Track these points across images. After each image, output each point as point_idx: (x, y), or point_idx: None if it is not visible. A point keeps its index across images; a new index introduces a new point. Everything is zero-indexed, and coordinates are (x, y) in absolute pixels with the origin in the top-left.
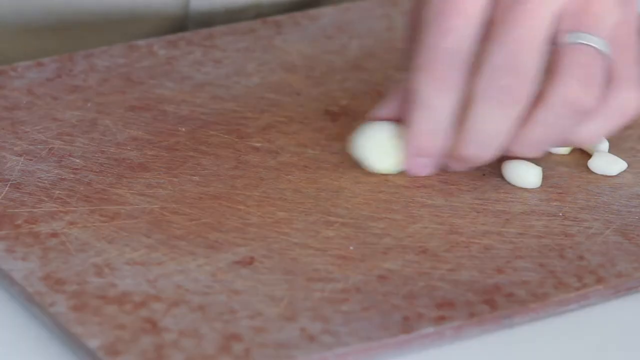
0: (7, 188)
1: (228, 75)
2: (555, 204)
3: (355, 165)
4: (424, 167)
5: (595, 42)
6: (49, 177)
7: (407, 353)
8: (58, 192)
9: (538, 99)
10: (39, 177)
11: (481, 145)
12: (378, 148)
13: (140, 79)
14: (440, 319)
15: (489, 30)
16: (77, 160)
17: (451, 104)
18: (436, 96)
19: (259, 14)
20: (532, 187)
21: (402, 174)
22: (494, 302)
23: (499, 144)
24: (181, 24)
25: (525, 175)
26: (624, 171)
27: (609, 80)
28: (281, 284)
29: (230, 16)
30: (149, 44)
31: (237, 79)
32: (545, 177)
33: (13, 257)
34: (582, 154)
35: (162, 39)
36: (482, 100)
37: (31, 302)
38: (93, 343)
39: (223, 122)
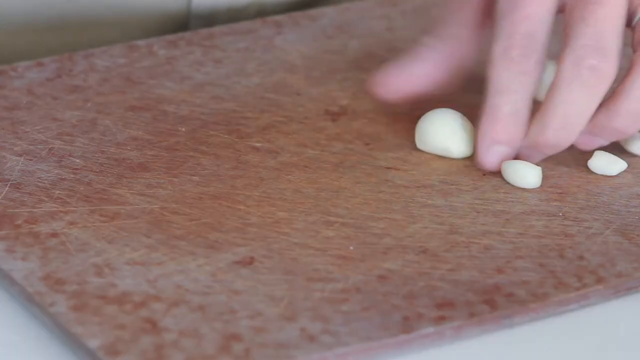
0: (7, 188)
1: (228, 75)
2: (555, 204)
3: (355, 165)
4: (500, 156)
5: None
6: (49, 177)
7: (407, 353)
8: (58, 192)
9: (629, 71)
10: (39, 177)
11: (566, 128)
12: (454, 133)
13: (140, 79)
14: (440, 319)
15: (568, 13)
16: (77, 160)
17: (531, 88)
18: (517, 80)
19: (261, 12)
20: (532, 187)
21: (402, 175)
22: (494, 302)
23: (582, 126)
24: (183, 22)
25: (525, 175)
26: (624, 171)
27: None
28: (281, 284)
29: (232, 15)
30: (149, 44)
31: (237, 79)
32: (545, 177)
33: (13, 257)
34: (582, 154)
35: (162, 38)
36: (568, 81)
37: (31, 302)
38: (93, 343)
39: (223, 122)
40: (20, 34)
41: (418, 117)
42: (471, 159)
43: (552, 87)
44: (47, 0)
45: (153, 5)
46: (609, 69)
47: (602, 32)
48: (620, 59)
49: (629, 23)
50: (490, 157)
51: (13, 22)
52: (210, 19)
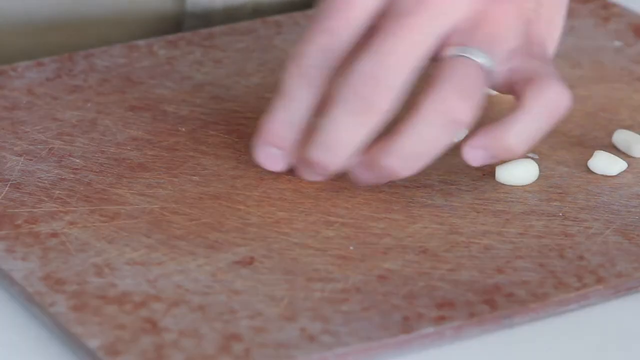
0: (7, 188)
1: (228, 75)
2: (555, 204)
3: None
4: (273, 158)
5: (476, 55)
6: (49, 177)
7: (407, 353)
8: (58, 192)
9: (412, 109)
10: (39, 177)
11: (330, 151)
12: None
13: (140, 79)
14: (440, 319)
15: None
16: (77, 160)
17: (309, 99)
18: (297, 88)
19: (257, 12)
20: (527, 183)
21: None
22: (494, 302)
23: (348, 154)
24: (178, 21)
25: (517, 171)
26: (624, 171)
27: (528, 82)
28: (281, 284)
29: (229, 14)
30: (148, 44)
31: (237, 79)
32: (545, 177)
33: (13, 257)
34: (582, 154)
35: (162, 39)
36: (337, 104)
37: (31, 302)
38: (93, 343)
39: (223, 122)
40: (19, 34)
41: None
42: None
43: (326, 106)
44: (46, 1)
45: (147, 4)
46: (381, 102)
47: (384, 63)
48: (402, 96)
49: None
50: (260, 156)
51: (13, 22)
52: (206, 18)
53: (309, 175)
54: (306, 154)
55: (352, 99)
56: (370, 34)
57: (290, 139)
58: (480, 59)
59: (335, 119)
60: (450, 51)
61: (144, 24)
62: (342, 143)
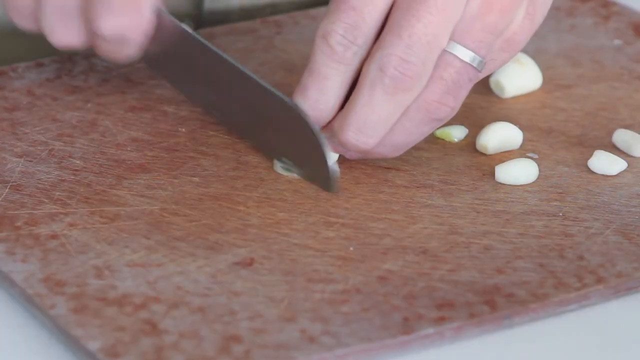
0: (7, 190)
1: None
2: (555, 204)
3: (354, 165)
4: None
5: (465, 54)
6: (49, 178)
7: (407, 354)
8: (58, 193)
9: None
10: (39, 179)
11: (363, 132)
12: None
13: (140, 79)
14: (441, 320)
15: (391, 14)
16: (77, 162)
17: (340, 78)
18: (330, 67)
19: (275, 12)
20: (527, 183)
21: (401, 175)
22: (494, 302)
23: (382, 134)
24: (196, 23)
25: (517, 171)
26: (624, 171)
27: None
28: (281, 285)
29: (245, 15)
30: None
31: None
32: (545, 177)
33: (13, 259)
34: (582, 153)
35: None
36: (370, 85)
37: (31, 304)
38: (93, 345)
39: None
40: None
41: None
42: (472, 159)
43: (357, 87)
44: None
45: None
46: (410, 80)
47: (413, 46)
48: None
49: None
50: None
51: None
52: (223, 20)
53: (347, 153)
54: (341, 135)
55: (386, 80)
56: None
57: (323, 118)
58: (468, 58)
59: (371, 99)
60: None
61: None
62: (375, 124)
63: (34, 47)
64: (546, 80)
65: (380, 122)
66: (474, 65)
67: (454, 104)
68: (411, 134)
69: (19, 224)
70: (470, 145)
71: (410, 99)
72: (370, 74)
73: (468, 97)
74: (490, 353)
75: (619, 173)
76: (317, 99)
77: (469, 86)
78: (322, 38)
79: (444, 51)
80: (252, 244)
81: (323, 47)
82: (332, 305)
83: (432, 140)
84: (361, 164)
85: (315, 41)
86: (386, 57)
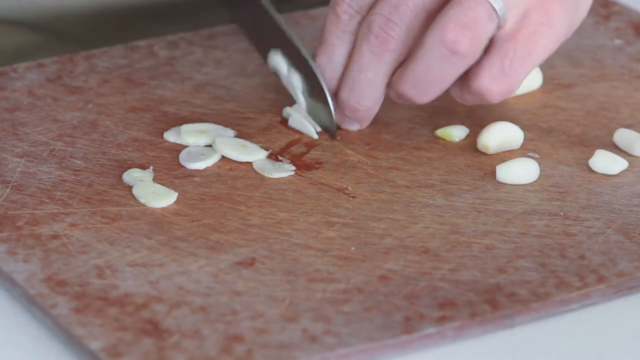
0: (8, 190)
1: (228, 76)
2: (556, 203)
3: (356, 165)
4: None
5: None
6: (50, 178)
7: (409, 353)
8: (59, 193)
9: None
10: (40, 179)
11: (354, 89)
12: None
13: (140, 79)
14: (442, 319)
15: None
16: (78, 162)
17: (346, 47)
18: (337, 35)
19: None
20: (528, 183)
21: (403, 175)
22: (496, 301)
23: (373, 91)
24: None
25: (518, 170)
26: (625, 170)
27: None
28: (282, 284)
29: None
30: (149, 45)
31: (237, 79)
32: (546, 177)
33: (14, 259)
34: (583, 153)
35: (162, 39)
36: (358, 45)
37: (33, 304)
38: (95, 345)
39: (223, 123)
40: (20, 34)
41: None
42: (473, 159)
43: (353, 48)
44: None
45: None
46: (394, 41)
47: (399, 7)
48: (415, 39)
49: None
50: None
51: (13, 23)
52: None
53: (348, 125)
54: (343, 96)
55: (372, 39)
56: None
57: (331, 84)
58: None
59: (358, 60)
60: None
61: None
62: (364, 81)
63: (33, 43)
64: (547, 79)
65: (367, 83)
66: (494, 4)
67: (468, 36)
68: (434, 69)
69: (20, 224)
70: (471, 145)
71: (393, 55)
72: (360, 32)
73: None
74: (492, 352)
75: (620, 172)
76: (325, 65)
77: (489, 27)
78: (331, 7)
79: None
80: (254, 244)
81: (332, 16)
82: (333, 305)
83: (433, 140)
84: (361, 164)
85: (327, 12)
86: (373, 16)
